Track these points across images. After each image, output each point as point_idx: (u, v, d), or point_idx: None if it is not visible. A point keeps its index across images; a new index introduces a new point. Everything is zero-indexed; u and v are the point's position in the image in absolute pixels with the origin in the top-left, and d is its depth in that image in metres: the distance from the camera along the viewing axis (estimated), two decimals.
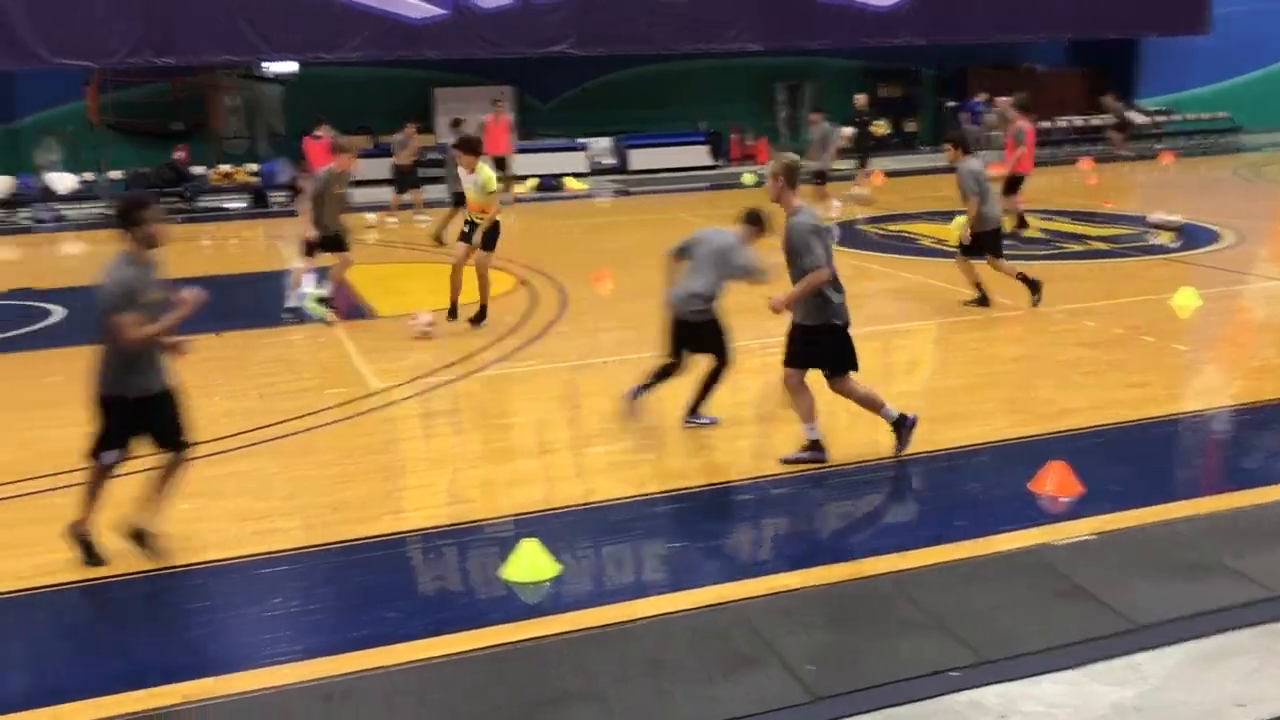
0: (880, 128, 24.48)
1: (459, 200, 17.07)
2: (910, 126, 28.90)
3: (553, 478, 7.25)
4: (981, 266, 11.24)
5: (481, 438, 8.20)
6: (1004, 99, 18.92)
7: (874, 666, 4.79)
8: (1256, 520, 6.17)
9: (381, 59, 23.35)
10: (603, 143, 26.11)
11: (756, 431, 7.98)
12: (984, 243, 11.08)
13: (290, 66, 24.71)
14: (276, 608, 5.53)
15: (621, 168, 25.91)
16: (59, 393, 9.31)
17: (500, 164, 19.64)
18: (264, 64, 24.25)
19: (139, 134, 24.34)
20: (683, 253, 7.87)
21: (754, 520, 6.63)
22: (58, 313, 12.65)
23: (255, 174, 22.83)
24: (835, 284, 7.03)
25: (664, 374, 7.89)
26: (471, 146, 11.13)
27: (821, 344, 7.05)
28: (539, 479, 7.20)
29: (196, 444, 6.27)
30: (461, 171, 11.16)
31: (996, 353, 10.00)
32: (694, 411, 7.85)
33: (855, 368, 7.13)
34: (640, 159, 25.91)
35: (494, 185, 11.07)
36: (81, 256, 18.40)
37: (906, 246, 15.45)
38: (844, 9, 24.94)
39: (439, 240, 16.52)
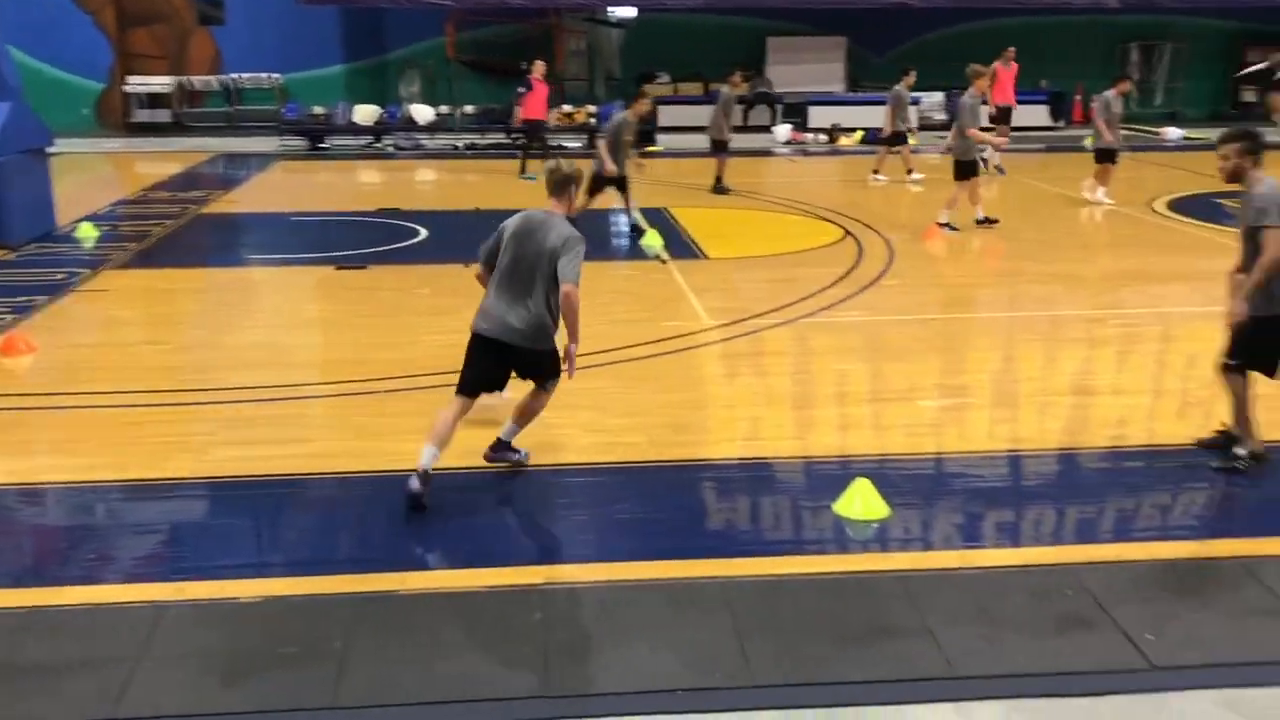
0: None
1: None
2: None
3: (879, 426, 7.39)
4: None
5: (807, 380, 8.42)
6: None
7: (1221, 646, 4.68)
8: None
9: (720, 7, 23.79)
10: (935, 97, 25.53)
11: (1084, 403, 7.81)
12: None
13: (630, 12, 25.62)
14: (624, 511, 6.01)
15: (954, 122, 25.16)
16: (430, 304, 10.35)
17: (1005, 115, 19.72)
18: (609, 8, 25.25)
19: (488, 71, 26.01)
20: None
21: (1100, 490, 6.45)
22: (423, 232, 13.89)
23: (593, 115, 23.88)
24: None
25: None
26: None
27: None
28: (866, 426, 7.39)
29: None
30: None
31: None
32: None
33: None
34: None
35: None
36: (438, 183, 20.03)
37: None
38: None
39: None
